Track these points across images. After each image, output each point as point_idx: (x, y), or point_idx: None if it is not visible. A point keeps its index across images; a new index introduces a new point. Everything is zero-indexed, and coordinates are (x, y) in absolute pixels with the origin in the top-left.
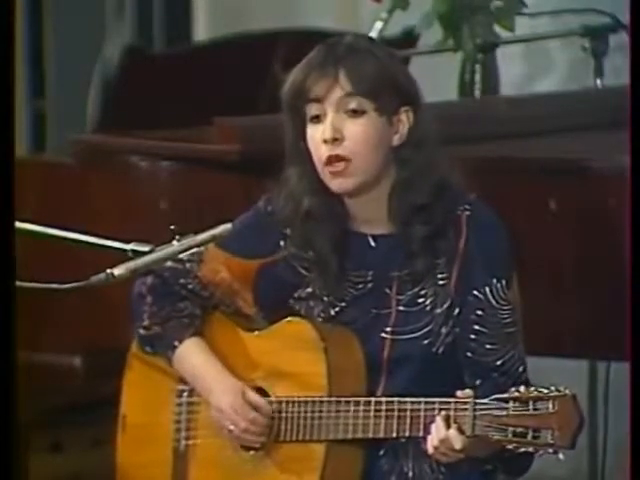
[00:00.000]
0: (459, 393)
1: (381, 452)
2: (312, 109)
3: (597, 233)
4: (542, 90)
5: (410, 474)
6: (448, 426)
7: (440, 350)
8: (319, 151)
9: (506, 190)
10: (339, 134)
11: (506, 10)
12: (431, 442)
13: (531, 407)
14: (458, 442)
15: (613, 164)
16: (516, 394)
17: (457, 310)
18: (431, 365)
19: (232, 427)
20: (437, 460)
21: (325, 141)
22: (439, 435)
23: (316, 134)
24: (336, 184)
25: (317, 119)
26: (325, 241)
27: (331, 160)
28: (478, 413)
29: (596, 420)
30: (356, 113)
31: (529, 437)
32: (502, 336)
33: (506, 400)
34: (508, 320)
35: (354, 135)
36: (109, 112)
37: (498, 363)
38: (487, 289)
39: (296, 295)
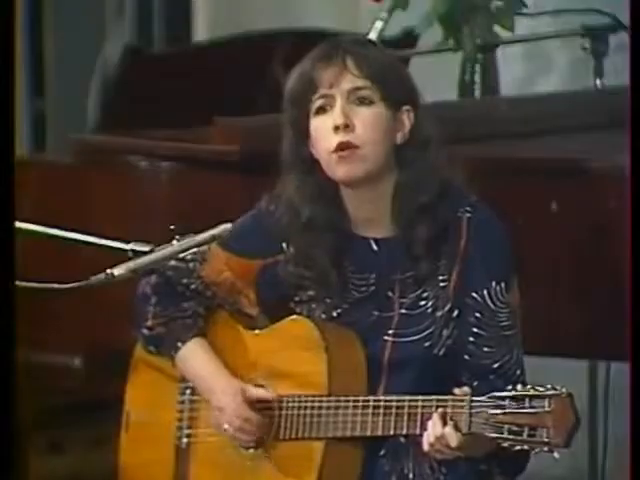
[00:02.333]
0: (456, 391)
1: (382, 452)
2: (319, 101)
3: (597, 233)
4: (542, 90)
5: (410, 475)
6: (444, 423)
7: (441, 352)
8: (328, 139)
9: (506, 190)
10: (349, 121)
11: (506, 10)
12: (427, 439)
13: (527, 405)
14: (454, 439)
15: (613, 164)
16: (512, 392)
17: (456, 312)
18: (432, 367)
19: (226, 426)
20: (435, 458)
21: (336, 128)
22: (435, 432)
23: (324, 124)
24: (343, 171)
25: (323, 110)
26: (325, 256)
27: (341, 146)
28: (474, 411)
29: (596, 420)
30: (365, 102)
31: (524, 435)
32: (500, 339)
33: (502, 398)
34: (506, 323)
35: (363, 122)
36: (109, 112)
37: (495, 366)
38: (485, 292)
39: (297, 298)
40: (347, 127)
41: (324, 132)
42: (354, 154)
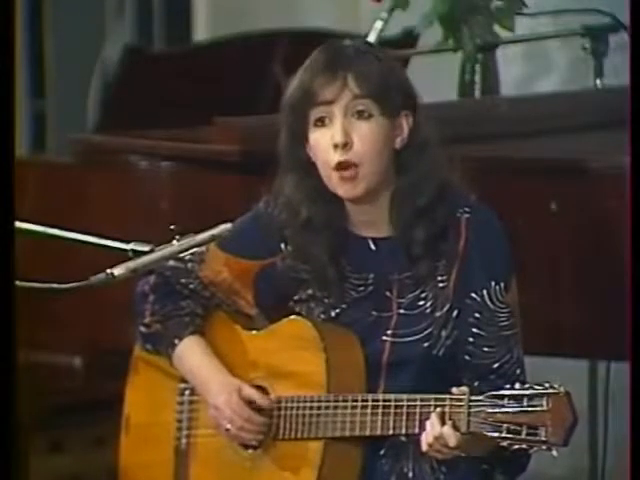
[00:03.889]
0: (454, 390)
1: (381, 452)
2: (318, 112)
3: (597, 233)
4: (542, 90)
5: (410, 474)
6: (443, 423)
7: (440, 353)
8: (328, 156)
9: (506, 190)
10: (349, 138)
11: (506, 10)
12: (426, 439)
13: (525, 404)
14: (452, 439)
15: (613, 164)
16: (510, 391)
17: (456, 313)
18: (431, 367)
19: (229, 426)
20: (434, 458)
21: (336, 146)
22: (434, 432)
23: (323, 138)
24: (345, 190)
25: (322, 123)
26: (323, 253)
27: (341, 166)
28: (473, 410)
29: (596, 419)
30: (363, 116)
31: (523, 434)
32: (500, 339)
33: (501, 397)
34: (506, 323)
35: (363, 139)
36: (109, 112)
37: (495, 366)
38: (485, 292)
39: (296, 297)
40: (346, 145)
41: (324, 146)
42: (355, 175)
